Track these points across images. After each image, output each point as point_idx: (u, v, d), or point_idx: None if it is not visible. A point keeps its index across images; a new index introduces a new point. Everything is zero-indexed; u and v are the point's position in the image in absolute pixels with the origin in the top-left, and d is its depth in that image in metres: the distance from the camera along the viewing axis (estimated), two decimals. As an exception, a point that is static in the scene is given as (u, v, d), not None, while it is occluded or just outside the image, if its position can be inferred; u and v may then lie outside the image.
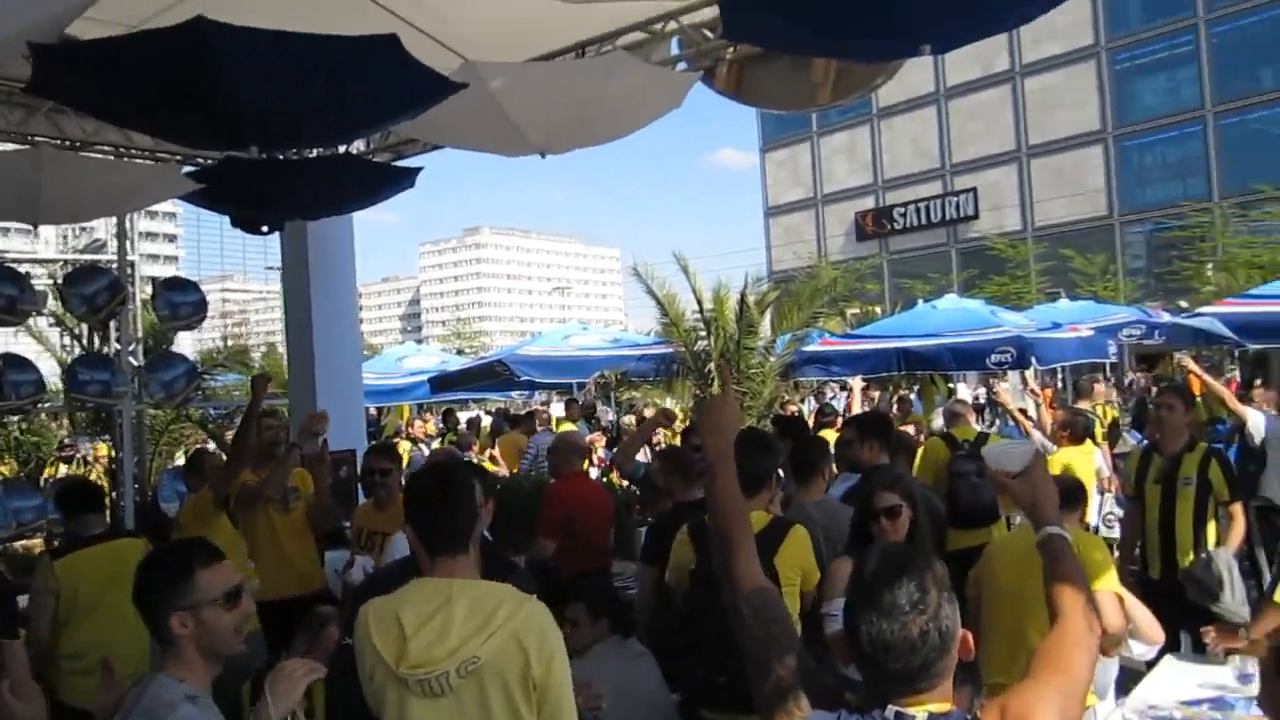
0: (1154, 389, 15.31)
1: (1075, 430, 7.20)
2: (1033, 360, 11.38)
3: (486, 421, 16.28)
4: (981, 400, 28.99)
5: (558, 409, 17.89)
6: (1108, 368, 17.58)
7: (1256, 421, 8.20)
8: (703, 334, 12.92)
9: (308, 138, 5.06)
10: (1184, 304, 26.90)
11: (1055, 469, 7.08)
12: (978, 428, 8.48)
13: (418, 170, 7.13)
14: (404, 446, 12.05)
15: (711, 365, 12.05)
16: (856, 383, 9.18)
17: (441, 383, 14.39)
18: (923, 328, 12.40)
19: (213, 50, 3.86)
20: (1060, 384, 19.45)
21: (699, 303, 12.83)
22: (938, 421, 8.86)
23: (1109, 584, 4.06)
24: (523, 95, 5.63)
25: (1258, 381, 12.77)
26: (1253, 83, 41.61)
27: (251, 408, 5.93)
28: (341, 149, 8.77)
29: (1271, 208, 33.84)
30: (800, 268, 44.39)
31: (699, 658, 4.11)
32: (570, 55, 6.99)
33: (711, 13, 6.74)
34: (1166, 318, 15.92)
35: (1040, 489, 2.43)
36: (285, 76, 4.05)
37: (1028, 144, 47.50)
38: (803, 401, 18.76)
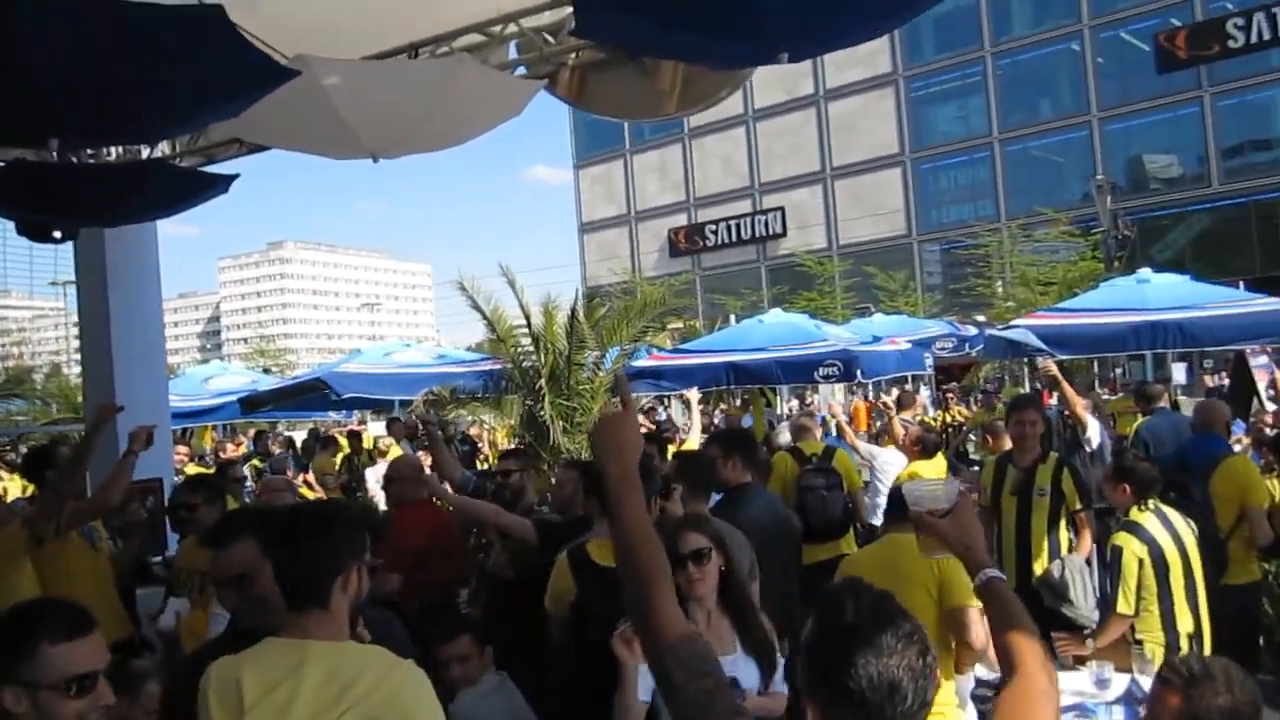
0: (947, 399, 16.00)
1: (927, 445, 7.32)
2: (858, 373, 11.62)
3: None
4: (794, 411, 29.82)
5: (376, 428, 17.25)
6: (916, 379, 18.26)
7: (1094, 428, 8.57)
8: (530, 350, 12.62)
9: (118, 125, 4.51)
10: (980, 318, 28.36)
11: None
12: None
13: (233, 177, 6.59)
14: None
15: (542, 381, 11.76)
16: (693, 395, 9.08)
17: (252, 403, 13.59)
18: (751, 342, 12.48)
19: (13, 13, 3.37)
20: (869, 396, 20.09)
21: (527, 318, 12.53)
22: (784, 436, 8.87)
23: (975, 600, 4.03)
24: (357, 94, 5.26)
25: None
26: (1033, 113, 44.53)
27: (90, 438, 5.10)
28: (146, 153, 8.11)
29: (1051, 229, 36.23)
30: (615, 283, 44.70)
31: (579, 698, 3.84)
32: (403, 56, 6.63)
33: (552, 16, 6.52)
34: (973, 331, 16.65)
35: (972, 529, 2.29)
36: (96, 47, 3.55)
37: (832, 165, 49.31)
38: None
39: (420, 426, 9.66)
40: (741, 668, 3.34)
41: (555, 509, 5.80)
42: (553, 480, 6.51)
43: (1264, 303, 10.84)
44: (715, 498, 5.21)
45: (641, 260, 54.49)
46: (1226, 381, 15.96)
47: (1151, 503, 5.06)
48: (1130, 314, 10.52)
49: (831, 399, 20.51)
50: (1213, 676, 2.58)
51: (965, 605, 3.97)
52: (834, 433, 10.51)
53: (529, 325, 12.78)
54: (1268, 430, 10.14)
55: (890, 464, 7.93)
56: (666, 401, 20.37)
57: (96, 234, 8.21)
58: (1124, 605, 4.87)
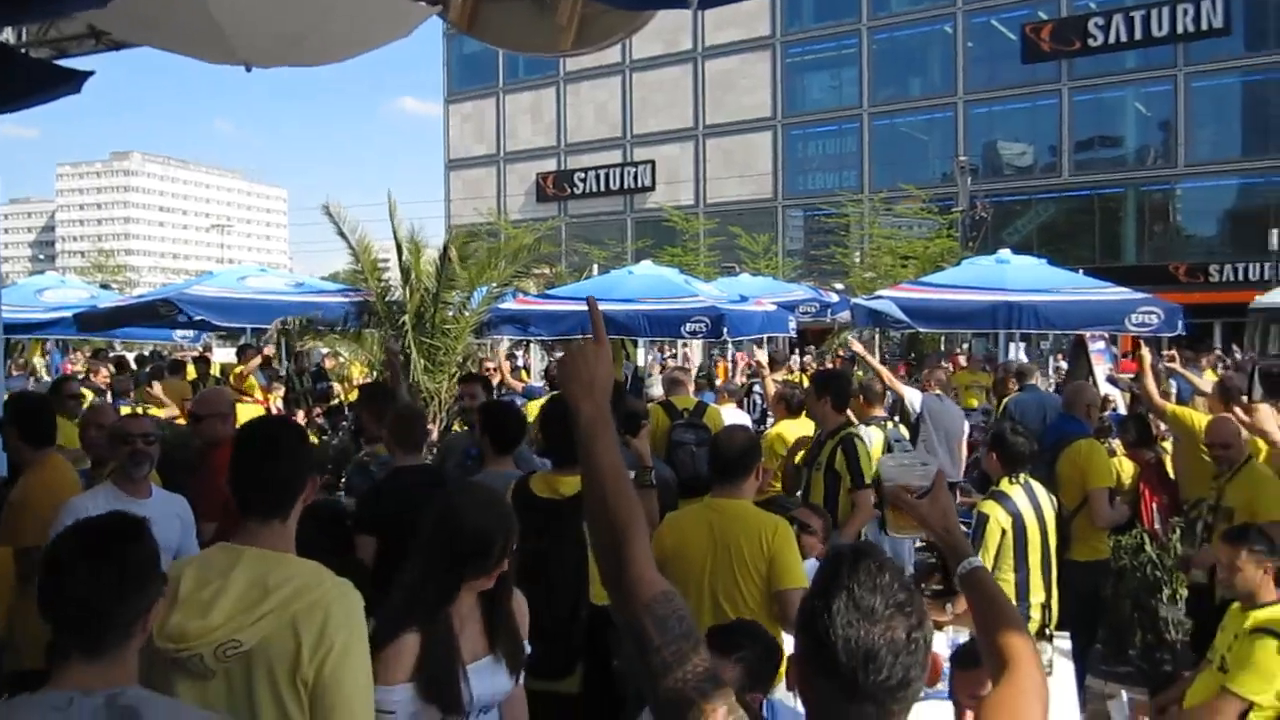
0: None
1: (791, 404, 7.36)
2: (725, 331, 11.67)
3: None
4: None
5: (223, 354, 16.49)
6: (786, 341, 18.53)
7: (912, 397, 8.82)
8: (396, 283, 12.23)
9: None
10: (839, 285, 29.00)
11: (774, 441, 7.27)
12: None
13: (86, 74, 6.07)
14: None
15: (406, 318, 11.42)
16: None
17: (90, 320, 12.77)
18: (620, 292, 12.39)
19: None
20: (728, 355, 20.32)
21: (399, 250, 12.12)
22: (656, 389, 8.84)
23: (805, 582, 4.01)
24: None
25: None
26: (902, 89, 45.55)
27: None
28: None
29: (912, 204, 37.26)
30: (481, 224, 43.95)
31: None
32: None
33: (450, -63, 6.21)
34: (835, 298, 16.97)
35: (950, 512, 2.17)
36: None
37: (705, 123, 49.43)
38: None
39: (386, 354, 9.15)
40: (490, 672, 2.96)
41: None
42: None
43: (1111, 291, 11.38)
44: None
45: (508, 202, 53.75)
46: (1064, 365, 16.71)
47: (1021, 476, 5.21)
48: (990, 293, 10.89)
49: (691, 353, 20.65)
50: None
51: (795, 588, 3.82)
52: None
53: (399, 258, 12.38)
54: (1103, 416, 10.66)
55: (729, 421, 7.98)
56: (526, 347, 20.18)
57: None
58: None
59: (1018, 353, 17.12)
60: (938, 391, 9.23)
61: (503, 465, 4.99)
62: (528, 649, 3.13)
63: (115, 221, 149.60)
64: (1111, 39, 38.92)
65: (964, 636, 4.67)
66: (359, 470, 5.53)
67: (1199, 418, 6.66)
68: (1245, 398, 6.47)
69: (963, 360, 16.93)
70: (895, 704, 1.54)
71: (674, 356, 18.76)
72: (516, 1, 6.26)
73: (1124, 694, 4.88)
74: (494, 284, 12.55)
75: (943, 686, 3.57)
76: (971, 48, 43.10)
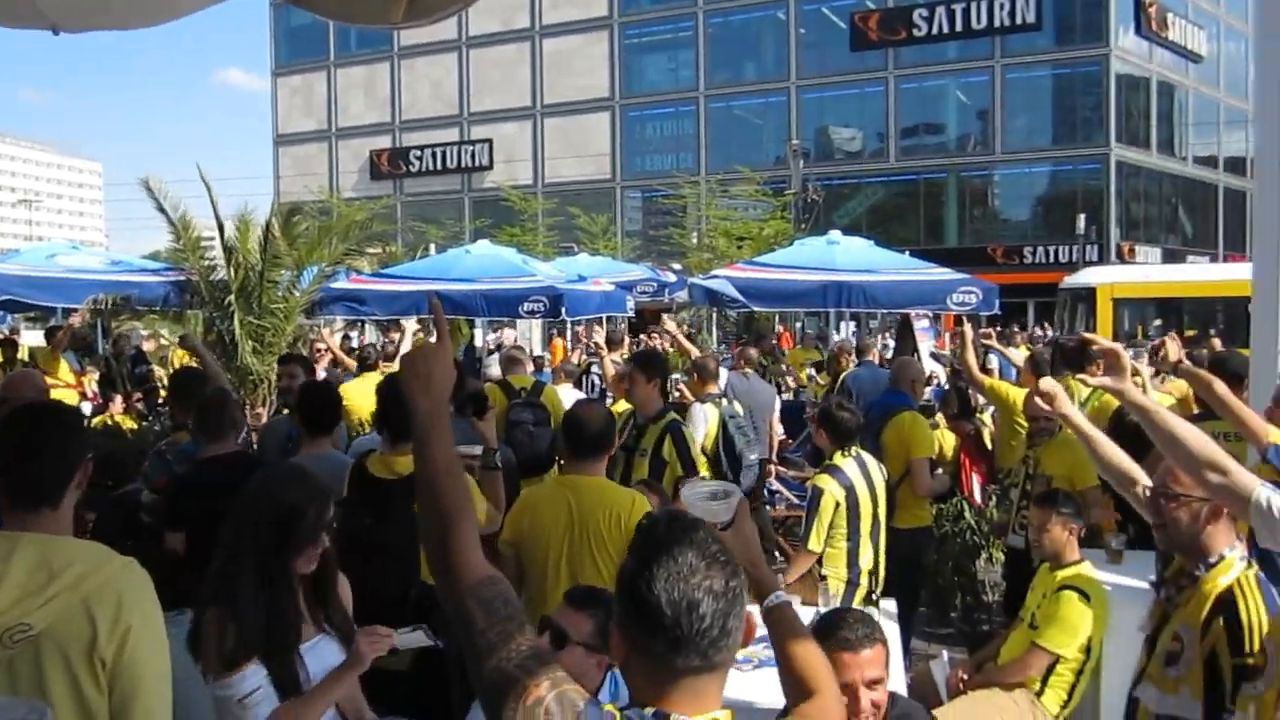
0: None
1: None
2: (563, 310, 11.67)
3: None
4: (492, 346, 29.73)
5: (32, 336, 15.50)
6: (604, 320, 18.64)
7: (721, 376, 8.98)
8: (220, 262, 11.72)
9: None
10: (676, 266, 29.34)
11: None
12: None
13: None
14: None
15: (231, 297, 10.96)
16: (409, 324, 8.74)
17: (-121, 300, 11.81)
18: (457, 272, 12.23)
19: None
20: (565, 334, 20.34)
21: (220, 227, 11.60)
22: (494, 369, 8.73)
23: None
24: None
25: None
26: (738, 73, 46.35)
27: None
28: None
29: (747, 186, 38.00)
30: (312, 202, 42.55)
31: None
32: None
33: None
34: (673, 278, 17.16)
35: (753, 543, 2.24)
36: None
37: (543, 102, 49.17)
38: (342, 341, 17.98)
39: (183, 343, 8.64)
40: (323, 650, 2.93)
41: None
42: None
43: (933, 272, 11.87)
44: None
45: (341, 180, 52.32)
46: (892, 342, 17.38)
47: (853, 449, 5.38)
48: (821, 273, 11.21)
49: (530, 335, 20.60)
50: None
51: None
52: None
53: (221, 235, 11.87)
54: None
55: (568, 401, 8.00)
56: (361, 327, 19.72)
57: None
58: (814, 543, 5.17)
59: (848, 331, 17.74)
60: (747, 370, 9.43)
61: (319, 447, 4.86)
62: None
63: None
64: (935, 30, 40.52)
65: (795, 604, 4.81)
66: (157, 460, 5.24)
67: (1014, 391, 7.02)
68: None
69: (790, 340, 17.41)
70: (717, 654, 1.59)
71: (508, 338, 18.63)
72: (344, -32, 6.06)
73: (945, 654, 5.12)
74: (324, 263, 12.20)
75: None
76: (804, 34, 44.15)
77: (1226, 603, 2.76)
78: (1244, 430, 4.15)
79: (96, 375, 11.82)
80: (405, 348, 8.65)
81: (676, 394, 9.76)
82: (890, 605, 5.32)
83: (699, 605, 1.56)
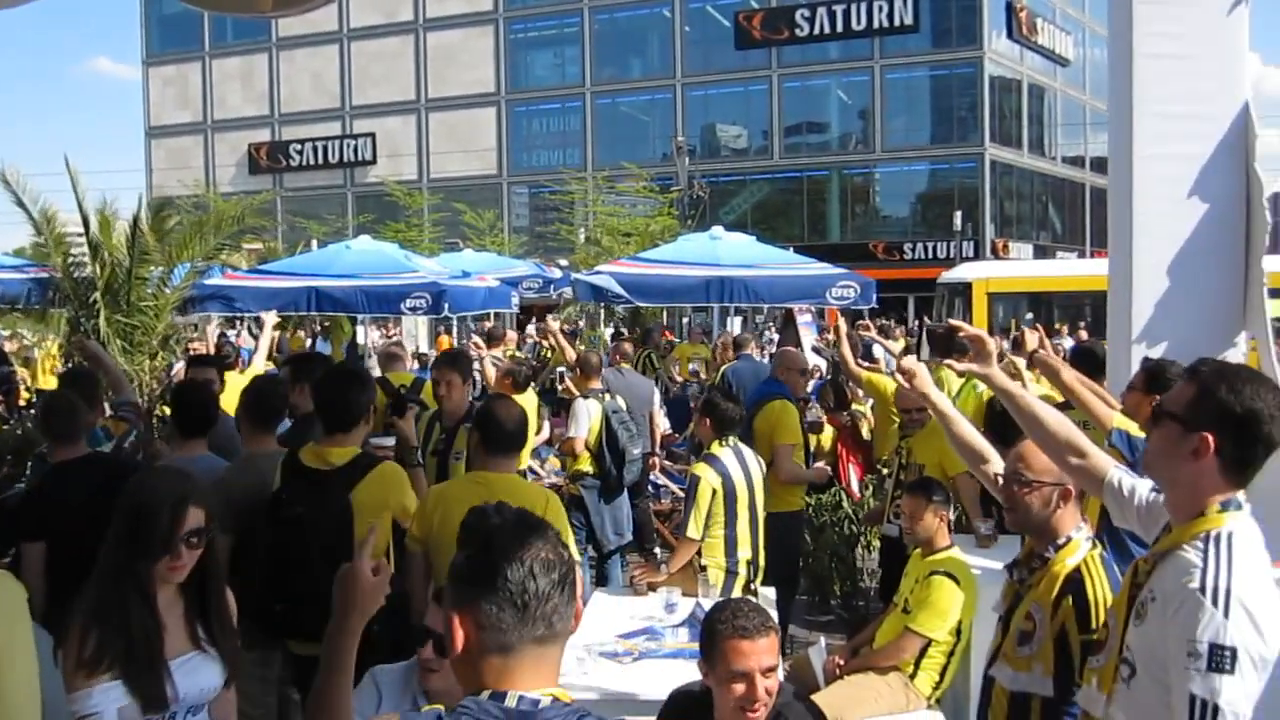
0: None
1: (517, 379, 7.39)
2: (445, 307, 11.52)
3: None
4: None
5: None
6: (509, 317, 18.52)
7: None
8: (86, 259, 11.29)
9: None
10: (564, 262, 29.31)
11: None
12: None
13: None
14: None
15: (97, 295, 10.55)
16: (269, 317, 8.50)
17: None
18: (337, 268, 11.92)
19: None
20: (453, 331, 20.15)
21: (85, 221, 11.15)
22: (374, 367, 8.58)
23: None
24: None
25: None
26: (624, 70, 46.46)
27: None
28: None
29: (634, 183, 38.13)
30: (186, 196, 41.21)
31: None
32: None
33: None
34: (558, 274, 17.12)
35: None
36: None
37: (427, 96, 48.52)
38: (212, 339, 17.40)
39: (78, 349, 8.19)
40: (198, 667, 2.80)
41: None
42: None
43: (813, 267, 12.08)
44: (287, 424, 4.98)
45: (217, 174, 50.77)
46: (777, 336, 17.65)
47: (731, 439, 5.44)
48: (703, 268, 11.28)
49: (416, 331, 20.32)
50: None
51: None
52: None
53: (87, 230, 11.42)
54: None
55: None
56: (238, 325, 19.21)
57: None
58: (693, 530, 5.22)
59: (734, 325, 17.92)
60: (623, 365, 9.49)
61: (192, 450, 4.63)
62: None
63: None
64: (816, 30, 41.26)
65: (676, 596, 4.85)
66: (39, 464, 5.03)
67: (889, 382, 7.18)
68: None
69: (672, 335, 17.54)
70: (560, 622, 1.67)
71: (394, 334, 18.37)
72: (210, -46, 5.91)
73: (822, 640, 5.21)
74: (197, 259, 11.85)
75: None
76: (689, 32, 44.50)
77: (1074, 582, 2.87)
78: (1090, 416, 4.33)
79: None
80: (264, 342, 8.41)
81: (561, 389, 9.76)
82: (769, 593, 5.39)
83: (540, 574, 1.64)
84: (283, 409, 4.40)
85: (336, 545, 3.88)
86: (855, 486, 7.35)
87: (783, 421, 6.48)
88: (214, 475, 4.27)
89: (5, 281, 10.91)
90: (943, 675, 4.63)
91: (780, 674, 4.46)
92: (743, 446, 5.54)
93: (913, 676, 4.58)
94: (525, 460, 8.50)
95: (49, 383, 11.61)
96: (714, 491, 5.24)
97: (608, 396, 7.76)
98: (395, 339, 10.92)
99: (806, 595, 7.21)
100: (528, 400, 7.08)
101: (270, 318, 8.46)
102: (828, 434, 7.70)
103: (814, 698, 4.46)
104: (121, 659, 2.60)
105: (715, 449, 5.41)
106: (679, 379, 13.37)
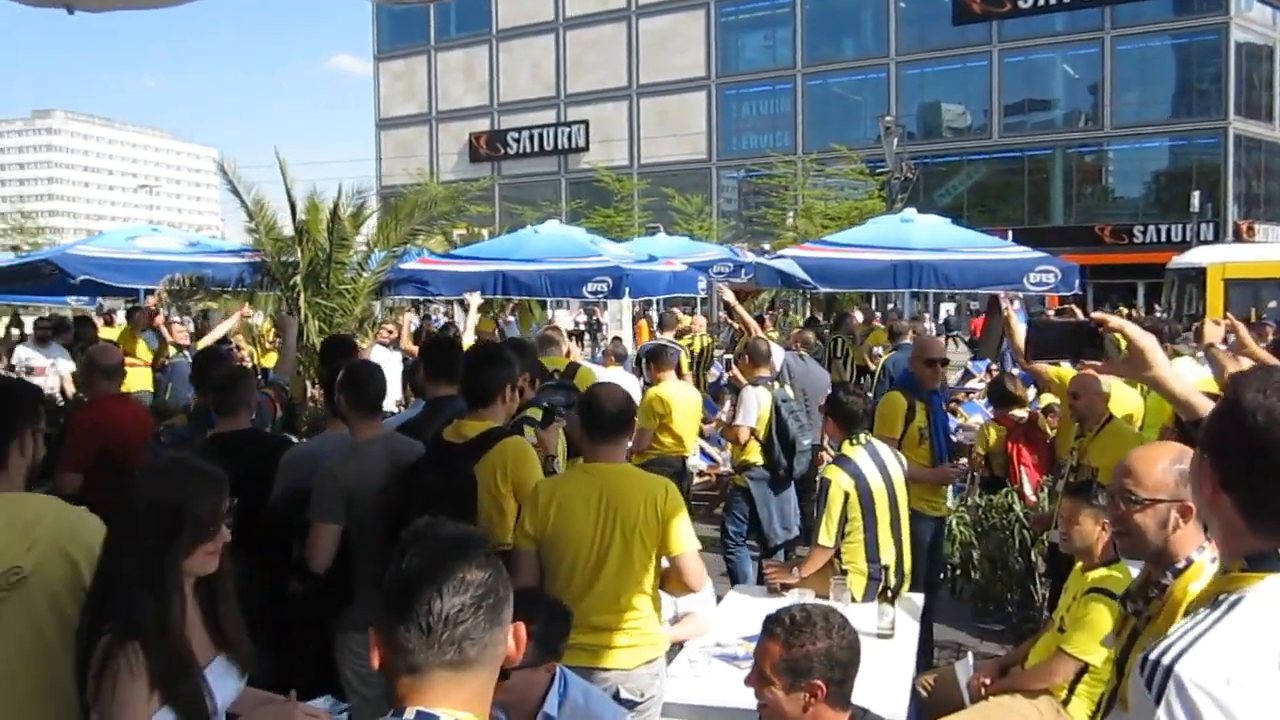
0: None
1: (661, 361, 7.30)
2: (626, 291, 11.51)
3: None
4: (582, 326, 29.80)
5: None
6: (699, 302, 18.43)
7: (776, 356, 8.70)
8: (293, 243, 11.93)
9: None
10: (767, 246, 28.94)
11: (653, 401, 7.17)
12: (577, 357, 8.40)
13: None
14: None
15: (298, 278, 11.09)
16: (474, 299, 8.65)
17: (-26, 283, 12.20)
18: (523, 252, 12.17)
19: None
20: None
21: (292, 208, 11.77)
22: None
23: (691, 545, 3.83)
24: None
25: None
26: (836, 49, 45.41)
27: None
28: None
29: (844, 165, 37.28)
30: (410, 184, 43.23)
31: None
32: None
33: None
34: (752, 258, 16.83)
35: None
36: None
37: (639, 82, 49.00)
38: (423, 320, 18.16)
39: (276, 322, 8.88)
40: (219, 672, 2.55)
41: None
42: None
43: (1012, 251, 11.39)
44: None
45: (440, 162, 53.03)
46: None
47: (863, 436, 5.12)
48: (891, 252, 10.83)
49: (622, 316, 20.49)
50: (812, 623, 2.79)
51: (689, 552, 3.76)
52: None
53: (294, 217, 12.05)
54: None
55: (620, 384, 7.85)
56: (436, 306, 19.83)
57: None
58: (824, 537, 4.93)
59: (948, 312, 17.18)
60: (803, 353, 9.16)
61: (364, 431, 4.34)
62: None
63: (38, 182, 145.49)
64: (1041, 1, 39.09)
65: (808, 599, 4.59)
66: (154, 444, 5.26)
67: (1069, 377, 6.60)
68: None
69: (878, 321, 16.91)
70: (474, 649, 1.55)
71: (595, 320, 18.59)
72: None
73: (970, 656, 4.84)
74: (394, 245, 12.29)
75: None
76: (904, 9, 43.11)
77: (1199, 611, 2.43)
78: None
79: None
80: (471, 321, 8.58)
81: (729, 376, 9.55)
82: (917, 599, 5.05)
83: (449, 596, 1.54)
84: (383, 395, 4.37)
85: (456, 515, 3.91)
86: (1028, 489, 6.81)
87: (881, 413, 6.11)
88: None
89: (219, 265, 11.60)
90: (1101, 703, 4.17)
91: (908, 688, 4.18)
92: (878, 443, 5.20)
93: (1065, 702, 4.16)
94: (692, 447, 8.40)
95: (270, 360, 12.29)
96: (846, 494, 4.94)
97: (777, 384, 7.51)
98: (551, 322, 10.95)
99: (973, 600, 6.76)
100: (683, 386, 6.89)
101: (474, 299, 8.61)
102: (998, 432, 7.18)
103: (953, 718, 4.14)
104: (166, 677, 2.35)
105: (846, 449, 5.10)
106: (872, 366, 12.90)
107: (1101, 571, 4.24)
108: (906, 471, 5.43)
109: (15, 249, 30.41)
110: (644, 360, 7.95)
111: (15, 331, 13.63)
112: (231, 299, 11.35)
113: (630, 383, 8.19)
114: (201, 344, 8.50)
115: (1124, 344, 2.56)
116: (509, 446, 4.03)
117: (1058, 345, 2.81)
